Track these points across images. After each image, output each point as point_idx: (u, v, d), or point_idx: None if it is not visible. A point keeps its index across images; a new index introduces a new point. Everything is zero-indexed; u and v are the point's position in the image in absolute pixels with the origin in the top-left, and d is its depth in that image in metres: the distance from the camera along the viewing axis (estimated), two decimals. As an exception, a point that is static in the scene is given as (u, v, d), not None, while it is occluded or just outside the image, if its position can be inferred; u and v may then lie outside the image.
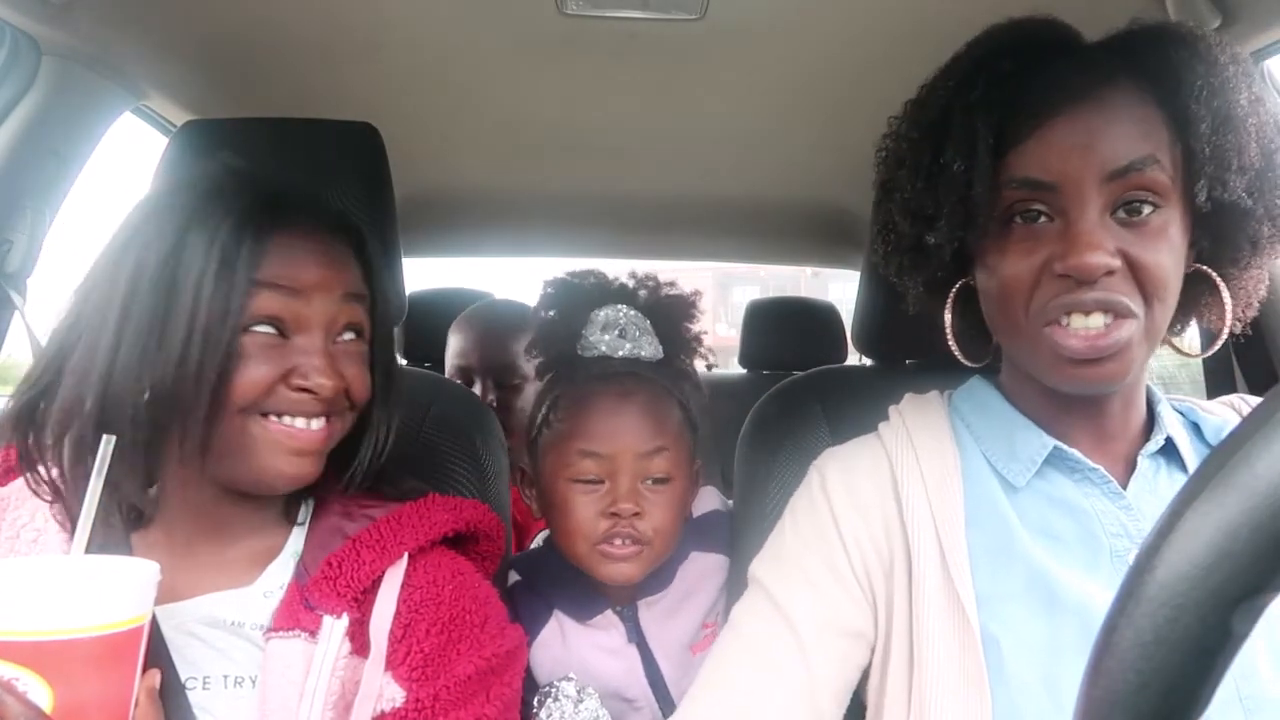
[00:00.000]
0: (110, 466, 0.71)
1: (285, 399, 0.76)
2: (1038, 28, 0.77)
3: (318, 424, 0.78)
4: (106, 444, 0.71)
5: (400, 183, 1.12)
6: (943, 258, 0.78)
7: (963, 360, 0.83)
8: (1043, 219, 0.72)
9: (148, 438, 0.74)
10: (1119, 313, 0.70)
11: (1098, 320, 0.70)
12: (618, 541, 1.02)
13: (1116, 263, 0.69)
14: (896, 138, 0.82)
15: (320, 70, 1.49)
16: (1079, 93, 0.71)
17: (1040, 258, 0.71)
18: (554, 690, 1.00)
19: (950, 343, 0.82)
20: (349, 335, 0.81)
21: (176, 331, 0.72)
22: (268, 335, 0.76)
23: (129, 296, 0.73)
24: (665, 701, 1.07)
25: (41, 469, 0.77)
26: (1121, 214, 0.71)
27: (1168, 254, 0.71)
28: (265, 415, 0.76)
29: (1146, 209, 0.71)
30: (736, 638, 0.80)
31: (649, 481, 1.03)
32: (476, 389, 1.59)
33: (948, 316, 0.82)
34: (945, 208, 0.74)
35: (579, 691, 1.01)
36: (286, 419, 0.77)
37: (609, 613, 1.08)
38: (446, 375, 1.63)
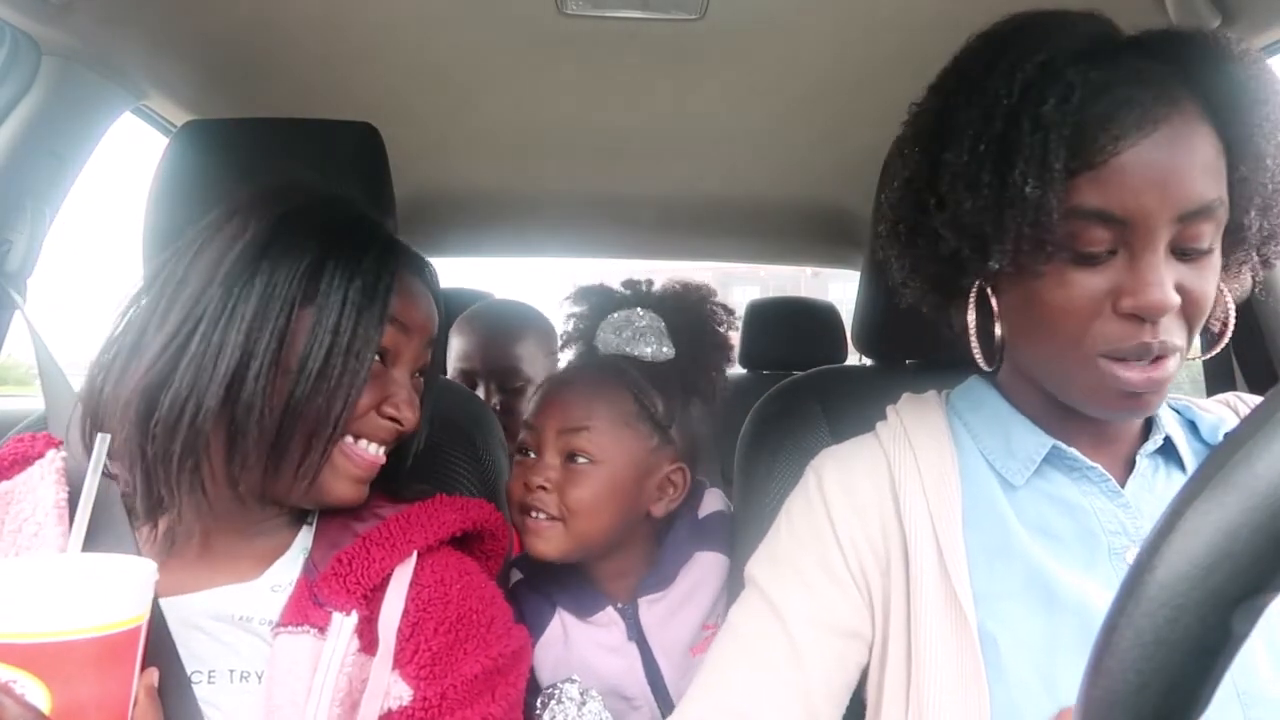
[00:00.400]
0: (202, 468, 0.75)
1: (373, 424, 0.82)
2: (1087, 25, 0.73)
3: (382, 451, 0.83)
4: (102, 442, 0.72)
5: (400, 183, 1.12)
6: (984, 272, 0.74)
7: (984, 366, 0.79)
8: (1105, 251, 0.69)
9: (269, 447, 0.76)
10: (1170, 351, 0.70)
11: (1155, 351, 0.69)
12: (531, 514, 1.06)
13: (1178, 300, 0.68)
14: (934, 138, 0.75)
15: (320, 70, 1.49)
16: (1149, 118, 0.67)
17: (1101, 290, 0.69)
18: (557, 692, 1.01)
19: (974, 347, 0.78)
20: (417, 374, 0.87)
21: (319, 351, 0.76)
22: (375, 363, 0.81)
23: (262, 308, 0.75)
24: (664, 701, 1.08)
25: (136, 461, 0.77)
26: (1179, 250, 0.69)
27: (1212, 281, 0.71)
28: (344, 437, 0.80)
29: (1204, 245, 0.70)
30: (734, 639, 0.80)
31: (578, 460, 1.06)
32: (479, 392, 1.58)
33: (971, 319, 0.78)
34: (1011, 231, 0.69)
35: (582, 694, 1.02)
36: (363, 443, 0.81)
37: (610, 610, 1.09)
38: (448, 376, 1.62)
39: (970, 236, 0.72)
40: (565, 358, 1.23)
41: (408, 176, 1.49)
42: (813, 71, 1.48)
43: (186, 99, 1.50)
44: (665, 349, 1.14)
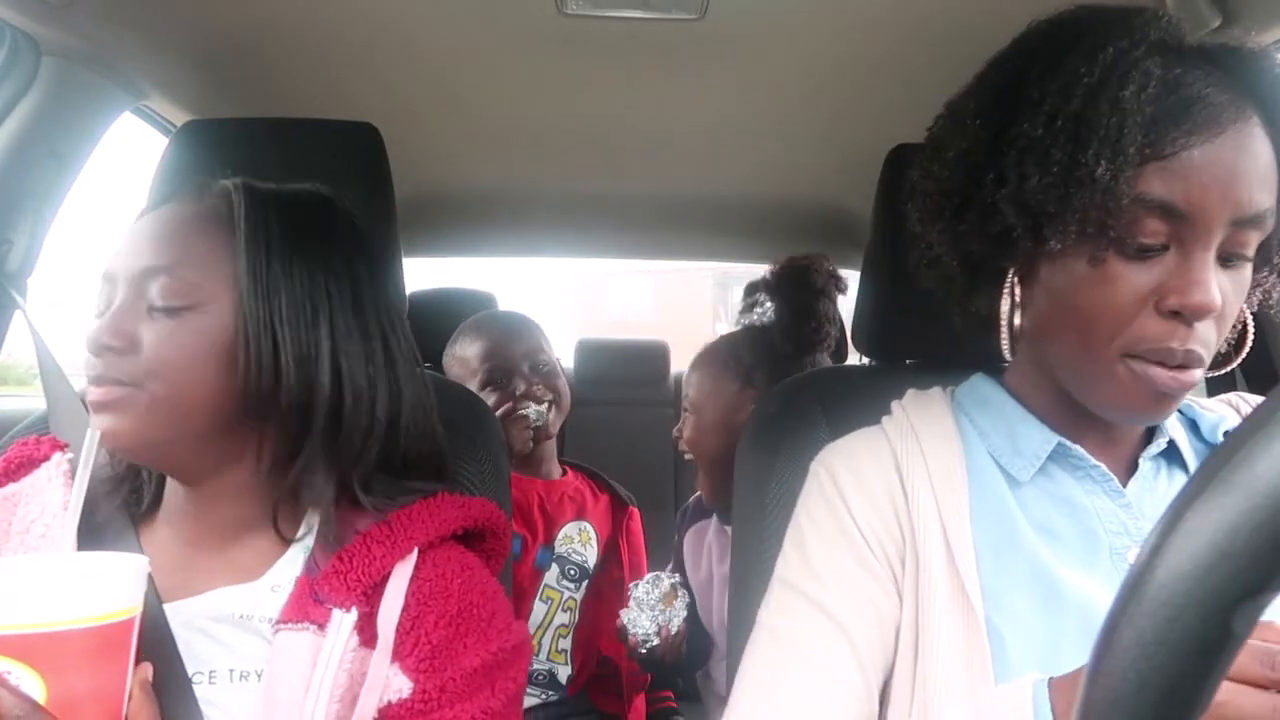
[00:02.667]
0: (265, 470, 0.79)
1: None
2: (1160, 23, 0.72)
3: None
4: (92, 438, 0.73)
5: (400, 183, 1.12)
6: (1029, 254, 0.73)
7: (1006, 356, 0.78)
8: (1159, 245, 0.69)
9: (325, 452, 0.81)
10: (1197, 360, 0.70)
11: (1179, 359, 0.69)
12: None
13: (1220, 303, 0.68)
14: (1000, 110, 0.73)
15: (320, 70, 1.49)
16: (1220, 120, 0.67)
17: (1145, 287, 0.69)
18: (658, 579, 1.45)
19: (1003, 336, 0.77)
20: None
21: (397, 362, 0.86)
22: None
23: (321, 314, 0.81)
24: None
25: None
26: (1223, 255, 0.69)
27: (1244, 292, 0.72)
28: None
29: (1248, 253, 0.70)
30: (781, 643, 0.79)
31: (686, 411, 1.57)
32: (519, 382, 1.61)
33: (1004, 305, 0.77)
34: (1076, 211, 0.68)
35: (673, 586, 1.44)
36: None
37: (715, 519, 1.60)
38: (479, 379, 1.64)
39: (1029, 214, 0.71)
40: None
41: (408, 176, 1.49)
42: (813, 71, 1.48)
43: (186, 99, 1.49)
44: (770, 317, 1.55)
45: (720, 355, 1.54)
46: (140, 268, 0.77)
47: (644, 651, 1.41)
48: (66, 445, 0.85)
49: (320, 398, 0.79)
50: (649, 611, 1.39)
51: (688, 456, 1.56)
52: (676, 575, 1.44)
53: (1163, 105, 0.67)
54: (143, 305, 0.77)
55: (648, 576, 1.44)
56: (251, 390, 0.77)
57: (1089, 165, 0.67)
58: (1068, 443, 0.78)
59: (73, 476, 0.82)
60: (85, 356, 0.76)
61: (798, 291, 1.52)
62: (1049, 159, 0.69)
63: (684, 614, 1.40)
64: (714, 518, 1.60)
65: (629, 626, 1.41)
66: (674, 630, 1.41)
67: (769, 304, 1.54)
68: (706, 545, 1.60)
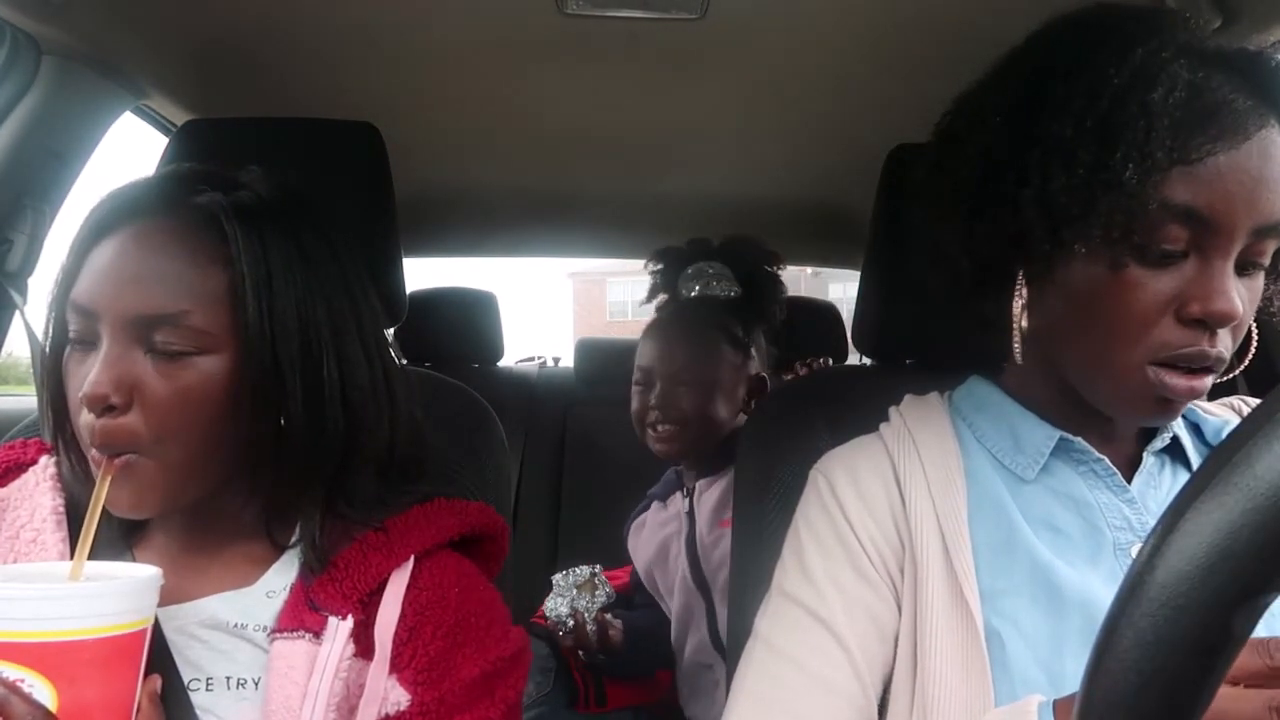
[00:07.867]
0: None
1: None
2: (1186, 25, 0.71)
3: None
4: (97, 496, 0.72)
5: (400, 183, 1.12)
6: (1045, 256, 0.72)
7: (1017, 360, 0.77)
8: (1179, 251, 0.68)
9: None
10: (1220, 363, 0.69)
11: (1206, 363, 0.69)
12: (655, 428, 1.47)
13: (1242, 311, 0.68)
14: (1023, 109, 0.72)
15: (320, 70, 1.49)
16: (1246, 126, 0.66)
17: (1166, 294, 0.68)
18: (571, 571, 1.47)
19: (1015, 339, 0.76)
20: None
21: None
22: None
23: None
24: (692, 551, 1.48)
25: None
26: (1240, 263, 0.69)
27: (1257, 299, 0.71)
28: None
29: (1264, 262, 0.70)
30: (781, 656, 0.78)
31: (681, 387, 1.45)
32: None
33: (1017, 307, 0.76)
34: (1101, 216, 0.67)
35: (592, 575, 1.47)
36: None
37: (678, 495, 1.55)
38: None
39: (1052, 216, 0.70)
40: (652, 305, 1.62)
41: (408, 176, 1.49)
42: (813, 71, 1.48)
43: (186, 99, 1.49)
44: (735, 290, 1.52)
45: (709, 326, 1.49)
46: (136, 313, 0.72)
47: (562, 635, 1.46)
48: (53, 448, 0.84)
49: (331, 435, 0.78)
50: (565, 597, 1.47)
51: (661, 428, 1.46)
52: (598, 566, 1.49)
53: (1189, 110, 0.66)
54: (140, 350, 0.72)
55: (569, 567, 1.49)
56: (256, 435, 0.75)
57: (1116, 168, 0.66)
58: (1070, 436, 0.78)
59: (61, 480, 0.82)
60: (84, 415, 0.71)
61: (757, 266, 1.57)
62: (1075, 160, 0.67)
63: (601, 603, 1.46)
64: (651, 505, 1.61)
65: (547, 613, 1.48)
66: (589, 617, 1.45)
67: (723, 278, 1.54)
68: (648, 525, 1.60)
